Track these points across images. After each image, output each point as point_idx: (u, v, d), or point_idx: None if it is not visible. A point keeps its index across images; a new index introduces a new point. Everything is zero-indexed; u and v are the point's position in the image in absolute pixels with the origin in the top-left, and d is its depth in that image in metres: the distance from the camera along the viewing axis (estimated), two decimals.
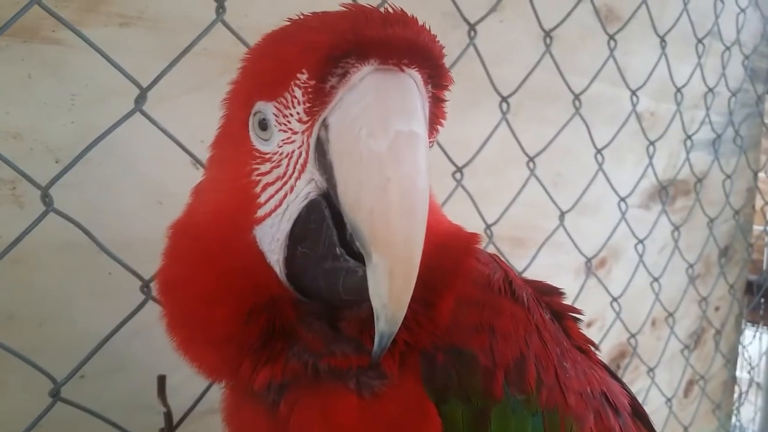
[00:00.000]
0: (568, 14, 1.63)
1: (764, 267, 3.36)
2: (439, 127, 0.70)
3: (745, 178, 2.88)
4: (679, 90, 2.16)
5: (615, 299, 2.04)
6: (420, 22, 0.64)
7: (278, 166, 0.67)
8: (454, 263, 0.74)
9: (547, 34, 1.58)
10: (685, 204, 2.51)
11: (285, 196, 0.67)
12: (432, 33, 0.64)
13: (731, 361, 3.10)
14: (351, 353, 0.68)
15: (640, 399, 2.35)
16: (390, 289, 0.59)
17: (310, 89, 0.62)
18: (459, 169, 1.42)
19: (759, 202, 3.09)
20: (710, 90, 2.37)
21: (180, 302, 0.73)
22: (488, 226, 1.56)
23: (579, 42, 1.90)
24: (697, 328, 2.75)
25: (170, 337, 0.74)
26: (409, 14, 0.63)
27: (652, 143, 2.08)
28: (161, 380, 1.05)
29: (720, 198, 2.65)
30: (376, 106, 0.60)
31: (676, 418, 2.54)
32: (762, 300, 3.21)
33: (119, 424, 1.05)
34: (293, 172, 0.66)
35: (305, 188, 0.66)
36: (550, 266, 1.98)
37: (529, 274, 1.86)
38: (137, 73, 0.99)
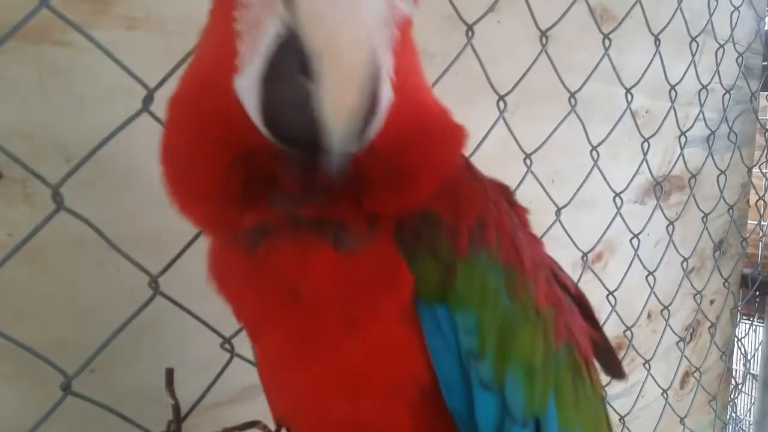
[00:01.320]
0: (564, 14, 1.66)
1: (759, 261, 3.40)
2: None
3: (740, 173, 2.91)
4: (673, 87, 2.19)
5: (611, 293, 2.07)
6: None
7: (251, 12, 0.66)
8: (439, 152, 0.77)
9: (543, 33, 1.61)
10: (680, 199, 2.55)
11: (258, 40, 0.65)
12: None
13: (726, 353, 3.14)
14: (326, 202, 0.70)
15: (636, 390, 2.41)
16: (331, 99, 0.59)
17: None
18: None
19: (753, 197, 3.13)
20: (704, 87, 2.40)
21: (174, 162, 0.76)
22: None
23: (575, 41, 1.93)
24: (693, 321, 2.79)
25: (170, 199, 0.76)
26: None
27: (646, 140, 2.11)
28: (169, 373, 1.08)
29: (714, 193, 2.68)
30: None
31: (673, 409, 2.57)
32: (756, 293, 3.26)
33: (129, 417, 1.08)
34: (264, 14, 0.65)
35: (275, 29, 0.64)
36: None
37: None
38: (144, 74, 1.01)
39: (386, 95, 0.69)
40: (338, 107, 0.60)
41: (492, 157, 1.70)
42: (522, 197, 1.74)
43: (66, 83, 1.05)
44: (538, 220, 1.82)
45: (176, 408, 1.08)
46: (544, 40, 1.61)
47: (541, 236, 1.76)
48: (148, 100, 1.01)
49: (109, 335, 1.04)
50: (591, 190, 2.03)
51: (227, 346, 1.16)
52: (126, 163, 1.09)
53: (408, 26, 0.73)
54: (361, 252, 0.74)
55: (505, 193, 0.98)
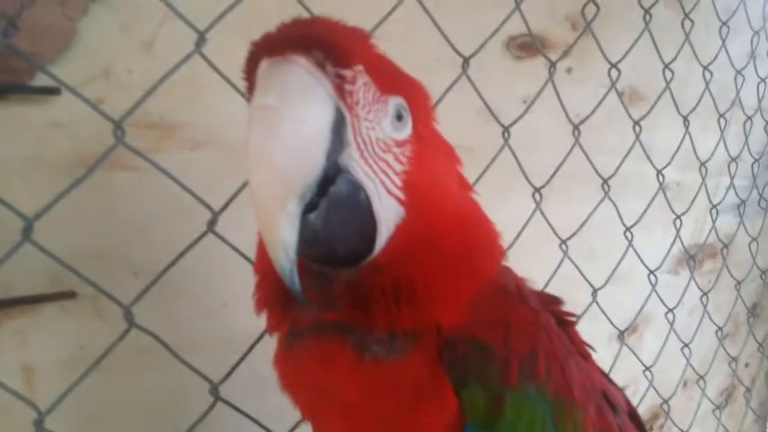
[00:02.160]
0: (597, 106, 1.72)
1: None
2: (366, 92, 0.74)
3: None
4: (703, 164, 2.23)
5: (647, 368, 2.10)
6: (327, 21, 0.75)
7: None
8: (462, 265, 0.82)
9: (576, 127, 1.67)
10: (713, 267, 2.57)
11: None
12: (336, 25, 0.75)
13: (762, 416, 3.10)
14: (340, 309, 0.78)
15: None
16: (263, 234, 0.69)
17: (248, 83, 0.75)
18: None
19: None
20: (734, 159, 2.44)
21: (254, 275, 0.88)
22: None
23: (606, 125, 1.98)
24: (728, 386, 2.78)
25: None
26: (326, 18, 0.75)
27: (678, 217, 2.15)
28: None
29: (747, 259, 2.70)
30: (256, 90, 0.70)
31: None
32: None
33: None
34: None
35: None
36: (585, 334, 2.04)
37: None
38: (208, 192, 1.09)
39: (389, 212, 0.76)
40: (268, 243, 0.68)
41: (529, 240, 1.77)
42: (559, 276, 1.81)
43: (134, 205, 1.13)
44: (574, 298, 1.89)
45: None
46: (576, 133, 1.67)
47: (581, 315, 1.81)
48: (212, 223, 1.08)
49: None
50: (626, 264, 2.06)
51: None
52: (188, 277, 1.16)
53: (420, 141, 0.80)
54: (393, 362, 0.79)
55: (554, 306, 1.01)
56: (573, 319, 1.04)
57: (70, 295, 1.08)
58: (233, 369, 1.12)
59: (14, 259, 0.96)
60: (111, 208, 1.11)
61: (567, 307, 1.04)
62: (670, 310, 2.18)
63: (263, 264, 0.84)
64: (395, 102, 0.77)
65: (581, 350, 1.02)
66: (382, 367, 0.79)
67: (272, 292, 0.83)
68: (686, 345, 2.27)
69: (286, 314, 0.83)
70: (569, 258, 1.72)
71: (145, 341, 1.07)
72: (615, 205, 1.84)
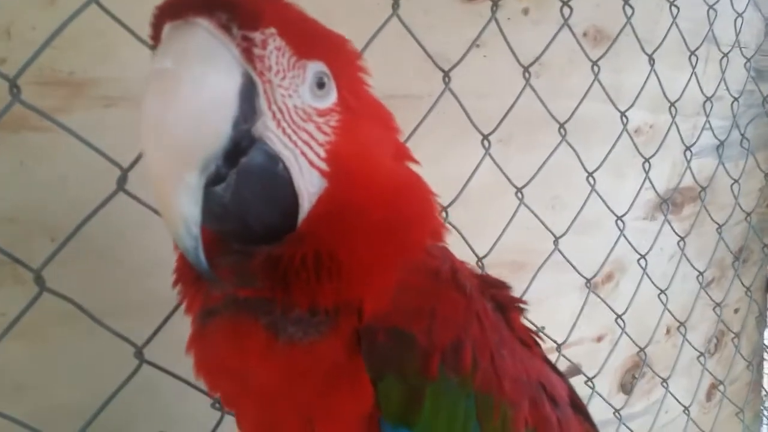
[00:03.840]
0: (547, 46, 1.66)
1: None
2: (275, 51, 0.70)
3: (757, 178, 2.85)
4: (672, 104, 2.17)
5: (619, 316, 2.06)
6: None
7: None
8: (390, 238, 0.78)
9: (526, 69, 1.62)
10: (693, 211, 2.51)
11: None
12: None
13: (754, 362, 3.07)
14: (257, 285, 0.73)
15: (656, 408, 2.38)
16: (160, 209, 0.65)
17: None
18: (444, 209, 1.46)
19: None
20: (708, 99, 2.36)
21: None
22: (479, 259, 1.59)
23: (567, 66, 1.92)
24: (715, 333, 2.75)
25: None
26: None
27: (647, 160, 2.09)
28: None
29: (730, 202, 2.64)
30: (154, 54, 0.66)
31: (696, 425, 2.54)
32: None
33: None
34: None
35: None
36: (554, 286, 2.02)
37: (533, 296, 1.89)
38: (122, 150, 1.05)
39: (311, 185, 0.73)
40: (166, 218, 0.64)
41: (487, 190, 1.73)
42: (522, 225, 1.78)
43: (47, 166, 1.10)
44: (540, 248, 1.86)
45: None
46: (527, 74, 1.62)
47: (540, 266, 1.77)
48: (122, 180, 1.04)
49: (101, 403, 1.08)
50: (595, 211, 2.02)
51: (217, 405, 1.20)
52: (107, 239, 1.14)
53: (348, 109, 0.76)
54: (308, 345, 0.74)
55: (499, 290, 0.95)
56: (521, 305, 0.98)
57: None
58: (156, 331, 1.10)
59: None
60: (22, 171, 1.08)
61: (514, 291, 0.99)
62: (642, 257, 2.14)
63: None
64: (315, 68, 0.72)
65: (524, 338, 0.96)
66: (296, 349, 0.74)
67: (186, 266, 0.79)
68: (662, 291, 2.23)
69: (198, 291, 0.79)
70: (526, 206, 1.69)
71: (70, 308, 1.05)
72: (575, 151, 1.79)
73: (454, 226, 1.50)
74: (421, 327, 0.76)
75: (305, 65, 0.71)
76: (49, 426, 1.04)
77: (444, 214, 1.46)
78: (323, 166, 0.73)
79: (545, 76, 1.89)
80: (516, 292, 1.71)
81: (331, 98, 0.74)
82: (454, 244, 1.54)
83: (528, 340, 0.97)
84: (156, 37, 0.69)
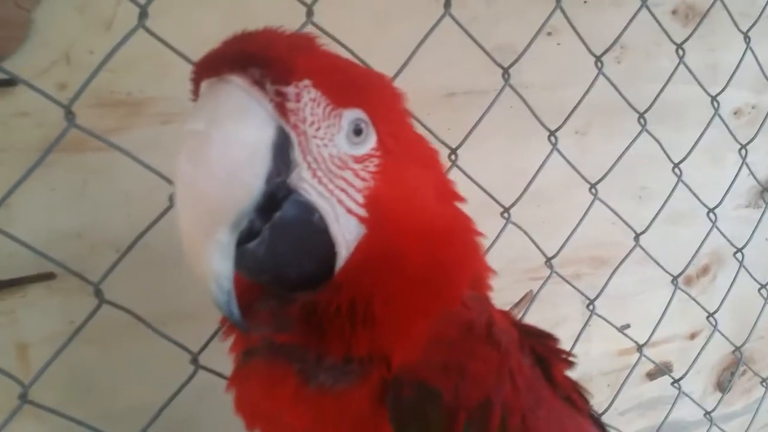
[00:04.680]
0: (621, 33, 1.56)
1: None
2: (310, 108, 0.70)
3: None
4: None
5: (711, 314, 1.94)
6: (270, 33, 0.71)
7: None
8: (426, 291, 0.76)
9: (598, 58, 1.53)
10: None
11: None
12: (280, 37, 0.71)
13: None
14: (294, 330, 0.74)
15: (755, 407, 2.22)
16: (193, 271, 0.65)
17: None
18: (506, 210, 1.42)
19: None
20: None
21: None
22: (548, 259, 1.54)
23: (653, 48, 1.80)
24: None
25: None
26: (263, 30, 0.71)
27: (743, 146, 1.93)
28: None
29: None
30: (191, 114, 0.66)
31: None
32: None
33: None
34: None
35: None
36: (642, 281, 1.92)
37: (618, 292, 1.82)
38: None
39: (349, 233, 0.72)
40: (196, 275, 0.64)
41: (563, 185, 1.66)
42: (605, 218, 1.70)
43: (109, 184, 1.16)
44: (624, 242, 1.77)
45: None
46: (599, 64, 1.52)
47: (621, 262, 1.69)
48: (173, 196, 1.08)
49: (161, 405, 1.14)
50: (688, 202, 1.90)
51: None
52: (165, 251, 1.18)
53: (387, 153, 0.75)
54: (336, 393, 0.74)
55: (543, 343, 0.90)
56: (568, 357, 0.92)
57: (49, 276, 1.13)
58: (211, 338, 1.15)
59: None
60: (86, 189, 1.15)
61: (561, 344, 0.92)
62: (739, 250, 1.99)
63: None
64: (352, 116, 0.72)
65: (569, 394, 0.91)
66: (325, 397, 0.74)
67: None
68: (763, 286, 2.07)
69: (241, 331, 0.80)
70: (602, 201, 1.60)
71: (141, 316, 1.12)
72: (657, 141, 1.68)
73: (519, 227, 1.46)
74: (448, 383, 0.74)
75: (341, 114, 0.71)
76: (113, 427, 1.12)
77: (507, 215, 1.42)
78: (361, 212, 0.73)
79: (629, 60, 1.79)
80: (595, 289, 1.70)
81: (369, 144, 0.74)
82: (523, 244, 1.53)
83: (573, 396, 0.92)
84: (196, 92, 0.71)
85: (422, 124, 1.28)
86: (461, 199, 0.88)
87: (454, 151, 1.32)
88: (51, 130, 1.07)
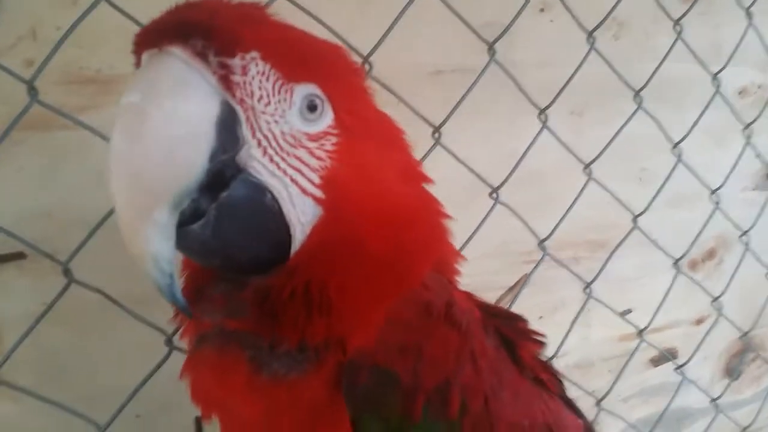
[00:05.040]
0: (612, 10, 1.52)
1: None
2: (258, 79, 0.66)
3: None
4: None
5: (716, 299, 1.88)
6: (216, 2, 0.66)
7: None
8: (397, 273, 0.74)
9: (590, 34, 1.48)
10: None
11: None
12: (226, 6, 0.66)
13: None
14: (246, 316, 0.70)
15: (765, 395, 2.16)
16: (128, 246, 0.62)
17: None
18: (494, 190, 1.38)
19: None
20: None
21: None
22: (541, 241, 1.50)
23: (651, 25, 1.74)
24: None
25: None
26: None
27: (748, 125, 1.87)
28: (197, 422, 1.15)
29: None
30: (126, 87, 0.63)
31: None
32: None
33: None
34: None
35: None
36: (643, 265, 1.87)
37: (618, 276, 1.77)
38: None
39: (304, 214, 0.69)
40: (134, 258, 0.61)
41: (558, 167, 1.62)
42: (603, 201, 1.65)
43: (79, 162, 1.14)
44: (623, 224, 1.72)
45: None
46: (591, 39, 1.48)
47: (618, 245, 1.65)
48: None
49: (134, 387, 1.12)
50: (692, 184, 1.85)
51: None
52: None
53: (346, 131, 0.71)
54: (290, 382, 0.71)
55: (507, 324, 0.87)
56: (538, 338, 0.89)
57: (20, 255, 1.12)
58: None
59: None
60: (55, 168, 1.13)
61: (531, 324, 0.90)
62: (744, 233, 1.93)
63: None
64: (305, 91, 0.69)
65: (539, 376, 0.88)
66: (279, 386, 0.71)
67: (184, 289, 0.75)
68: None
69: (194, 318, 0.75)
70: (597, 182, 1.56)
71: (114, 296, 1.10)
72: (655, 120, 1.63)
73: (508, 207, 1.42)
74: (405, 366, 0.71)
75: (293, 89, 0.68)
76: (89, 408, 1.10)
77: (495, 195, 1.38)
78: (317, 193, 0.69)
79: (627, 37, 1.73)
80: (592, 273, 1.65)
81: (325, 121, 0.70)
82: (517, 226, 1.49)
83: (543, 377, 0.88)
84: (138, 65, 0.67)
85: (405, 103, 1.25)
86: (428, 180, 0.84)
87: (437, 129, 1.28)
88: (17, 108, 1.06)
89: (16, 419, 1.16)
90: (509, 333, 0.85)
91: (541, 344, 0.89)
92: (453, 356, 0.74)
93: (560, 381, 0.93)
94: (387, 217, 0.73)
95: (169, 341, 1.12)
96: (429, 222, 0.82)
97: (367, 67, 1.16)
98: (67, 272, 1.05)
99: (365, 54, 1.16)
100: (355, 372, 0.71)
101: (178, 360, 1.12)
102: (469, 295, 0.86)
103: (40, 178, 1.13)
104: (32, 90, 0.99)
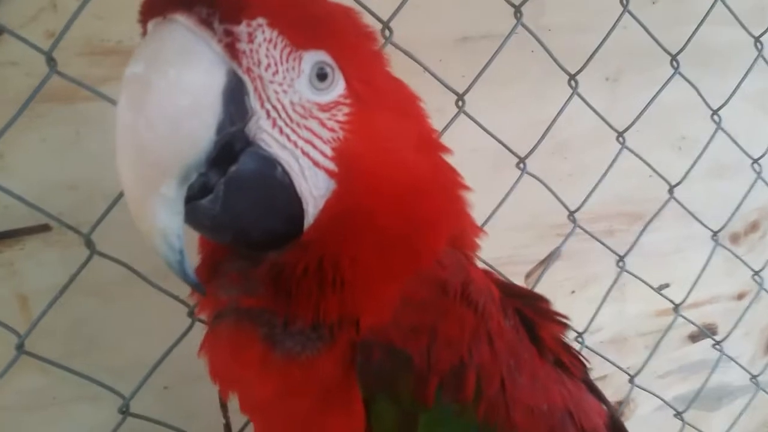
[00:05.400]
0: None
1: None
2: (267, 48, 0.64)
3: None
4: None
5: (756, 273, 1.81)
6: None
7: None
8: (411, 247, 0.72)
9: None
10: None
11: None
12: None
13: None
14: (260, 293, 0.70)
15: None
16: (138, 223, 0.61)
17: None
18: (522, 160, 1.34)
19: None
20: None
21: None
22: (571, 213, 1.46)
23: None
24: None
25: None
26: None
27: None
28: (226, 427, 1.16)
29: None
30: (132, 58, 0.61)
31: None
32: None
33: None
34: None
35: None
36: (682, 239, 1.81)
37: (655, 250, 1.72)
38: None
39: (317, 188, 0.67)
40: (142, 233, 0.60)
41: (593, 135, 1.57)
42: (640, 171, 1.60)
43: (103, 134, 1.14)
44: (660, 196, 1.66)
45: (227, 427, 1.16)
46: (625, 1, 1.42)
47: (653, 218, 1.59)
48: None
49: (158, 358, 1.13)
50: (735, 153, 1.77)
51: None
52: None
53: (358, 100, 0.69)
54: (304, 360, 0.70)
55: (528, 305, 0.84)
56: (561, 319, 0.86)
57: (45, 228, 1.13)
58: None
59: None
60: (79, 140, 1.14)
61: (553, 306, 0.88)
62: None
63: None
64: (314, 58, 0.66)
65: (560, 358, 0.85)
66: (292, 364, 0.70)
67: (201, 265, 0.76)
68: None
69: (209, 293, 0.74)
70: (630, 150, 1.51)
71: (139, 269, 1.10)
72: (693, 85, 1.56)
73: (536, 177, 1.38)
74: (418, 347, 0.69)
75: (301, 56, 0.65)
76: (118, 379, 1.11)
77: (522, 165, 1.34)
78: (330, 165, 0.67)
79: (663, 1, 1.66)
80: (628, 246, 1.60)
81: (336, 90, 0.68)
82: (546, 198, 1.45)
83: (565, 359, 0.85)
84: (144, 35, 0.66)
85: (428, 69, 1.22)
86: (445, 150, 0.81)
87: (461, 96, 1.25)
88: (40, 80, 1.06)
89: (45, 390, 1.18)
90: (530, 313, 0.82)
91: (564, 325, 0.86)
92: (468, 337, 0.71)
93: (584, 364, 0.90)
94: (402, 190, 0.71)
95: (191, 313, 1.12)
96: (446, 194, 0.79)
97: (387, 33, 1.13)
98: (89, 244, 1.05)
99: (385, 20, 1.12)
100: (368, 350, 0.69)
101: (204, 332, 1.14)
102: (487, 273, 0.84)
103: (65, 150, 1.13)
104: (51, 61, 0.99)
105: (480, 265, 0.89)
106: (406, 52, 1.15)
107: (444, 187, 0.79)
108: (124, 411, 1.11)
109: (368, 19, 1.05)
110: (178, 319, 1.13)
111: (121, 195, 1.06)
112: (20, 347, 1.03)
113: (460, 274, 0.75)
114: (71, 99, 1.11)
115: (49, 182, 1.12)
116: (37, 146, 1.12)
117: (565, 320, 0.86)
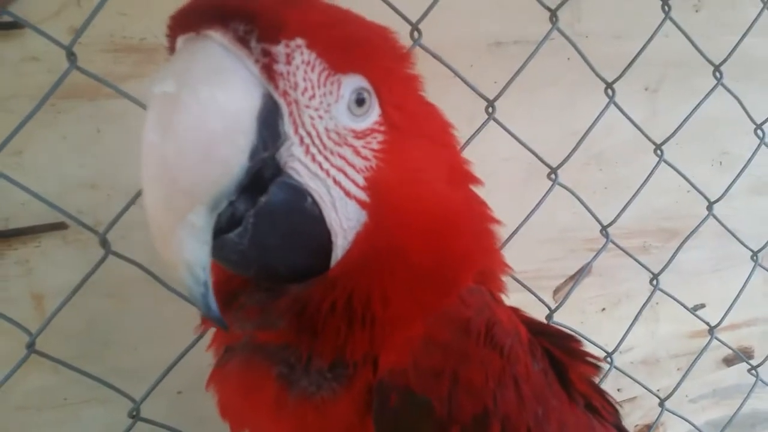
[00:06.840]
0: None
1: None
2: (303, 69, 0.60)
3: None
4: None
5: None
6: None
7: None
8: (436, 292, 0.67)
9: (665, 2, 1.36)
10: None
11: None
12: None
13: None
14: (280, 328, 0.65)
15: None
16: (162, 258, 0.56)
17: None
18: (553, 170, 1.29)
19: None
20: None
21: None
22: (604, 228, 1.40)
23: None
24: None
25: None
26: None
27: None
28: None
29: None
30: (158, 75, 0.57)
31: None
32: None
33: None
34: None
35: None
36: (720, 258, 1.75)
37: (692, 268, 1.66)
38: None
39: (347, 219, 0.63)
40: (166, 264, 0.56)
41: (631, 146, 1.51)
42: (676, 187, 1.54)
43: (124, 131, 1.12)
44: (698, 212, 1.59)
45: None
46: (666, 8, 1.36)
47: (690, 234, 1.53)
48: None
49: (170, 363, 1.10)
50: None
51: None
52: None
53: (393, 128, 0.65)
54: (319, 402, 0.66)
55: (558, 345, 0.78)
56: (593, 360, 0.81)
57: (61, 226, 1.11)
58: None
59: (9, 192, 1.01)
60: (100, 137, 1.12)
61: (585, 346, 0.82)
62: None
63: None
64: (353, 84, 0.63)
65: (591, 403, 0.79)
66: (307, 406, 0.66)
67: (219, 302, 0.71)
68: None
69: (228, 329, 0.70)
70: (667, 162, 1.44)
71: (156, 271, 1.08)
72: (736, 97, 1.49)
73: (568, 189, 1.33)
74: (439, 392, 0.64)
75: (340, 80, 0.62)
76: (130, 381, 1.09)
77: (554, 176, 1.29)
78: (362, 196, 0.64)
79: (709, 9, 1.60)
80: (659, 264, 1.53)
81: (372, 117, 0.64)
82: (578, 211, 1.39)
83: (596, 404, 0.80)
84: (172, 50, 0.62)
85: (458, 74, 1.18)
86: (476, 181, 0.77)
87: (491, 103, 1.20)
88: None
89: (56, 390, 1.16)
90: (559, 354, 0.77)
91: (596, 367, 0.80)
92: (492, 383, 0.66)
93: (615, 408, 0.84)
94: (434, 224, 0.67)
95: None
96: (475, 229, 0.75)
97: (415, 35, 1.09)
98: (104, 243, 1.03)
99: (414, 21, 1.08)
100: (385, 394, 0.65)
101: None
102: (514, 311, 0.79)
103: (85, 148, 1.12)
104: (71, 56, 0.97)
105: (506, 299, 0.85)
106: (435, 56, 1.11)
107: (474, 221, 0.75)
108: (134, 415, 1.08)
109: (396, 21, 1.03)
110: (193, 322, 1.11)
111: (139, 194, 1.04)
112: (31, 346, 1.01)
113: (485, 313, 0.70)
114: (94, 96, 1.10)
115: (69, 180, 1.11)
116: (58, 143, 1.10)
117: (596, 361, 0.80)
